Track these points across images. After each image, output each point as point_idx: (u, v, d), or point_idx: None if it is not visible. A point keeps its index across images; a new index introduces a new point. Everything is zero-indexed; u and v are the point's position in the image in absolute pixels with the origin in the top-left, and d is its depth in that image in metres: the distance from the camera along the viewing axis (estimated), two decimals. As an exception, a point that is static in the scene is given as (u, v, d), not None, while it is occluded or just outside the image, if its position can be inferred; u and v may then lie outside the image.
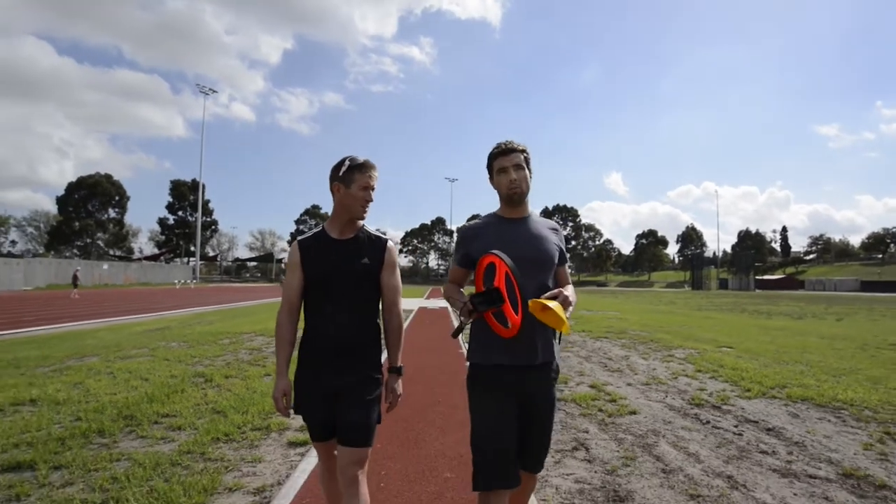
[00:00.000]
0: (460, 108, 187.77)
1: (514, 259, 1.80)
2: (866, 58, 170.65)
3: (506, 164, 1.93)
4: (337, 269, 2.01)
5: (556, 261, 1.98)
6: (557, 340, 1.99)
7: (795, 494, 2.95)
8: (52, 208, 74.35)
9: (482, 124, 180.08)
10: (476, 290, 1.86)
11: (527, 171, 1.96)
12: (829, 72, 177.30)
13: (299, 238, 2.12)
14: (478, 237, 1.96)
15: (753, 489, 3.00)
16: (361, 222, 2.11)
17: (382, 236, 2.14)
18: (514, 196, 1.94)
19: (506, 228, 1.96)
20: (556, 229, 2.05)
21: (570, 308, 1.77)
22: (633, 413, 4.71)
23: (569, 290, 1.86)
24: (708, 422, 4.43)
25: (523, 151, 1.96)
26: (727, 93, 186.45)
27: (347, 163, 2.01)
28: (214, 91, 71.99)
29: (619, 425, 4.32)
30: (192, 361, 7.07)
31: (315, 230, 2.13)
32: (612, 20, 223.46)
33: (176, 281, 52.60)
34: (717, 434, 4.09)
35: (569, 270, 2.11)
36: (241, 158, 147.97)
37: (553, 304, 1.66)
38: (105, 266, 44.50)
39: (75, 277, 28.78)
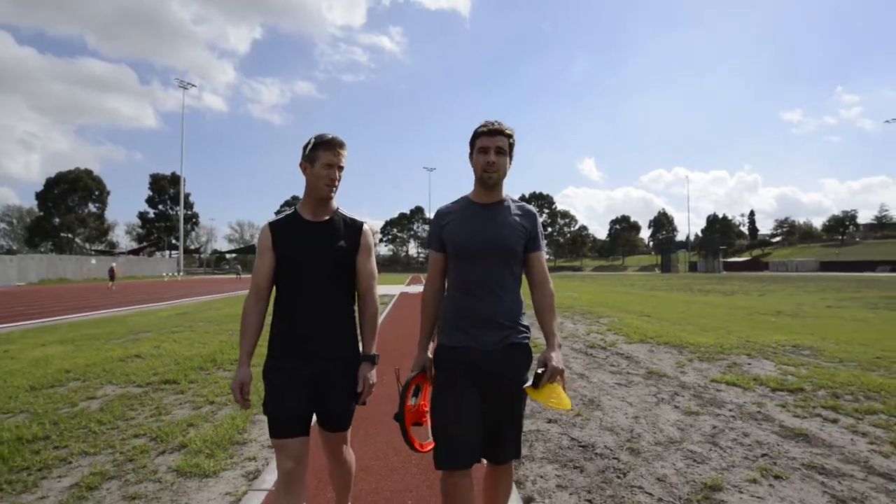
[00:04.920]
0: (434, 97, 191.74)
1: (476, 246, 1.88)
2: (827, 44, 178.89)
3: (488, 144, 1.88)
4: (311, 252, 1.94)
5: (522, 249, 1.94)
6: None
7: (612, 378, 5.39)
8: (18, 201, 74.24)
9: (456, 113, 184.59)
10: (401, 402, 1.92)
11: (507, 158, 1.92)
12: (793, 58, 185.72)
13: (271, 220, 2.03)
14: (448, 220, 1.97)
15: (590, 377, 5.44)
16: (336, 205, 2.06)
17: (358, 220, 2.09)
18: (487, 179, 1.90)
19: (473, 213, 1.95)
20: (528, 214, 1.99)
21: (561, 376, 1.75)
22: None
23: (554, 358, 1.75)
24: (591, 355, 6.87)
25: (509, 136, 1.90)
26: (696, 80, 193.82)
27: (313, 140, 1.95)
28: (193, 85, 72.84)
29: (534, 358, 6.76)
30: (229, 333, 9.22)
31: (287, 212, 2.05)
32: (580, 7, 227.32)
33: (164, 274, 54.31)
34: (592, 359, 6.52)
35: (546, 257, 2.06)
36: (216, 149, 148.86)
37: (547, 394, 1.67)
38: (93, 261, 45.83)
39: (112, 272, 30.75)
